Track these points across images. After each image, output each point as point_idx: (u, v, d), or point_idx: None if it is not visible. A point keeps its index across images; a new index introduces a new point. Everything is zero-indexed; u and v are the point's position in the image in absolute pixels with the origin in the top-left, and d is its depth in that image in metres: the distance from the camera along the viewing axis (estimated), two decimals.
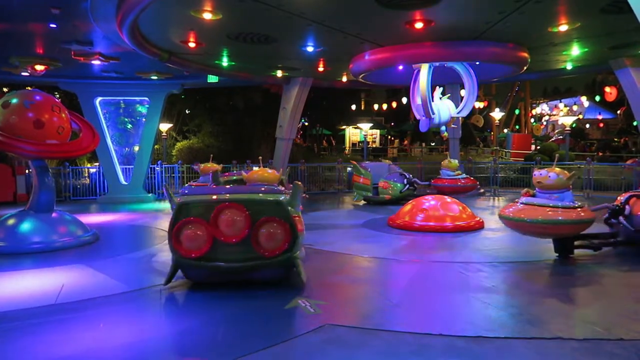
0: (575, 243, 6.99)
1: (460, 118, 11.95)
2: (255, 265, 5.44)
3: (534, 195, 6.80)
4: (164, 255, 7.63)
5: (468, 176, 12.91)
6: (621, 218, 7.08)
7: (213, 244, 5.31)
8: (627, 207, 7.09)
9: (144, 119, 16.05)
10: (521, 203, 6.69)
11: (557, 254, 6.97)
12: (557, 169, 6.75)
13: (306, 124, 37.24)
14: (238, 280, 5.58)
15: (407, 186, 13.31)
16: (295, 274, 5.60)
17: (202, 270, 5.55)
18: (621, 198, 7.33)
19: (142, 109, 16.13)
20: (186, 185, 12.89)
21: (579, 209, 6.43)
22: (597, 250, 7.07)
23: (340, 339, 4.03)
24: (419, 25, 8.76)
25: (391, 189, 13.44)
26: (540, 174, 6.72)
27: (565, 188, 6.67)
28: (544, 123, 42.55)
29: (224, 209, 5.31)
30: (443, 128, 11.10)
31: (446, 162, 12.70)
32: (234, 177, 8.56)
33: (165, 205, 14.19)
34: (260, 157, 9.60)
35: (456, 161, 13.01)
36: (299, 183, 5.90)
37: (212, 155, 12.58)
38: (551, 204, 6.45)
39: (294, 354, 3.76)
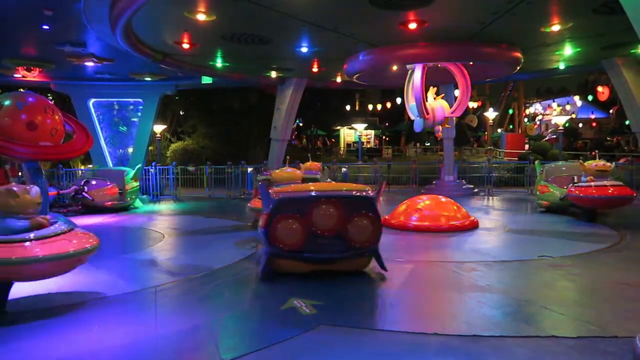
0: None
1: (454, 118, 12.00)
2: None
3: None
4: (159, 256, 7.61)
5: (617, 182, 9.38)
6: None
7: None
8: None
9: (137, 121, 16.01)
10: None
11: None
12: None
13: (301, 124, 37.21)
14: None
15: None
16: None
17: None
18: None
19: (136, 111, 16.08)
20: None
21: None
22: None
23: (335, 339, 4.03)
24: (412, 25, 8.80)
25: (550, 194, 10.63)
26: None
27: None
28: (538, 123, 42.68)
29: None
30: (437, 128, 11.12)
31: (585, 165, 9.48)
32: (264, 177, 9.61)
33: (160, 206, 14.15)
34: (288, 157, 11.62)
35: (601, 162, 9.45)
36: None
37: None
38: None
39: (290, 355, 3.75)
